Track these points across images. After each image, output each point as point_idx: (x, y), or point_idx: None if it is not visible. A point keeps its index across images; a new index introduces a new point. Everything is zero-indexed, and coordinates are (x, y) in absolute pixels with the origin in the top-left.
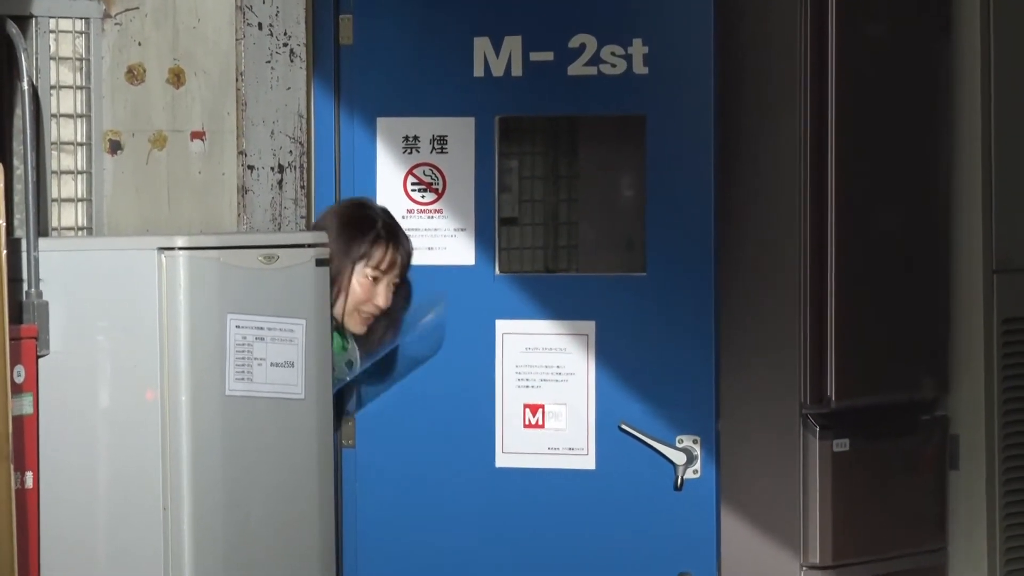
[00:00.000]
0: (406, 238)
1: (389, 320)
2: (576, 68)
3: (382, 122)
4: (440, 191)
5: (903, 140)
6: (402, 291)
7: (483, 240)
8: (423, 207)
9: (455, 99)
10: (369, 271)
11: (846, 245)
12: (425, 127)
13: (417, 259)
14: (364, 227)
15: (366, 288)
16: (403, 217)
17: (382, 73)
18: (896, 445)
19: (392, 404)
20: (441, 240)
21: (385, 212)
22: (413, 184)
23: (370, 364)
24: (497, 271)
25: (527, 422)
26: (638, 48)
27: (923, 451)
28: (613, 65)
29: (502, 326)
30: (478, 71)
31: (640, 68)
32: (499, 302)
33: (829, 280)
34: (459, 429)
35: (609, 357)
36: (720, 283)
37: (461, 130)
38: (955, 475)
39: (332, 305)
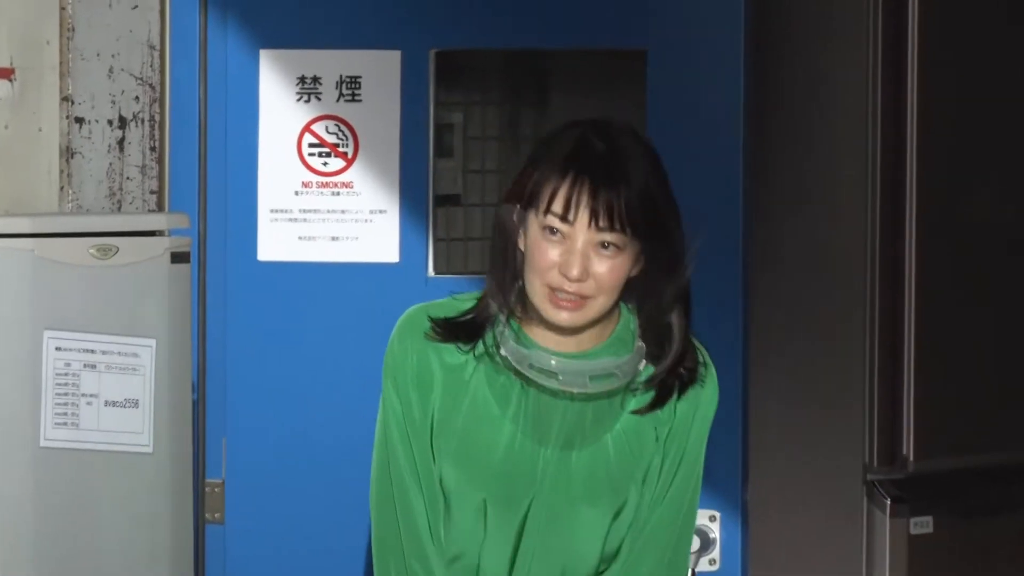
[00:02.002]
0: (644, 172)
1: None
2: None
3: (268, 56)
4: (350, 156)
5: (1019, 101)
6: (657, 267)
7: (411, 227)
8: (325, 178)
9: (373, 24)
10: (542, 218)
11: (932, 249)
12: (329, 64)
13: (317, 254)
14: (548, 145)
15: (540, 247)
16: (297, 193)
17: None
18: (998, 524)
19: (277, 461)
20: (351, 227)
21: (618, 132)
22: (311, 146)
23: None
24: (431, 271)
25: None
26: None
27: None
28: None
29: None
30: None
31: None
32: None
33: (907, 297)
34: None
35: None
36: (748, 293)
37: (381, 69)
38: None
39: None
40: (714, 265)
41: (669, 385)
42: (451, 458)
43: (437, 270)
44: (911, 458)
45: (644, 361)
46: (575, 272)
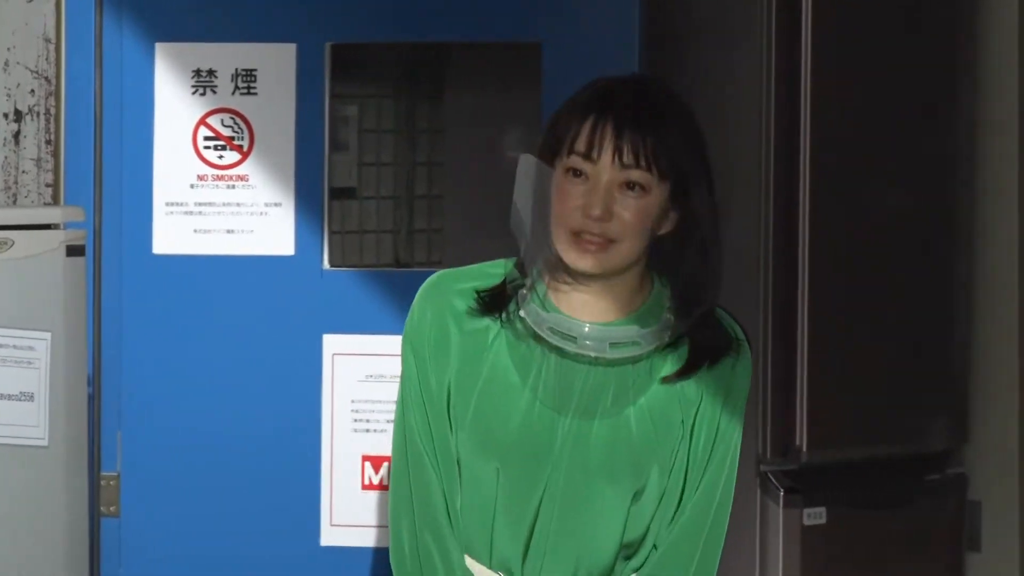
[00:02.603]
0: (673, 116)
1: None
2: None
3: (164, 49)
4: (245, 149)
5: (909, 101)
6: (684, 219)
7: (306, 220)
8: (221, 172)
9: (269, 17)
10: (565, 160)
11: (825, 242)
12: (225, 57)
13: (212, 247)
14: (572, 99)
15: (563, 190)
16: (192, 186)
17: None
18: (892, 516)
19: (172, 456)
20: (246, 220)
21: (648, 82)
22: (207, 139)
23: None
24: (326, 264)
25: (367, 481)
26: None
27: (931, 525)
28: None
29: (332, 343)
30: None
31: None
32: (328, 309)
33: (801, 287)
34: (268, 492)
35: None
36: None
37: (276, 62)
38: (975, 558)
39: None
40: None
41: (699, 353)
42: (467, 425)
43: (332, 263)
44: (804, 449)
45: (670, 332)
46: (597, 210)
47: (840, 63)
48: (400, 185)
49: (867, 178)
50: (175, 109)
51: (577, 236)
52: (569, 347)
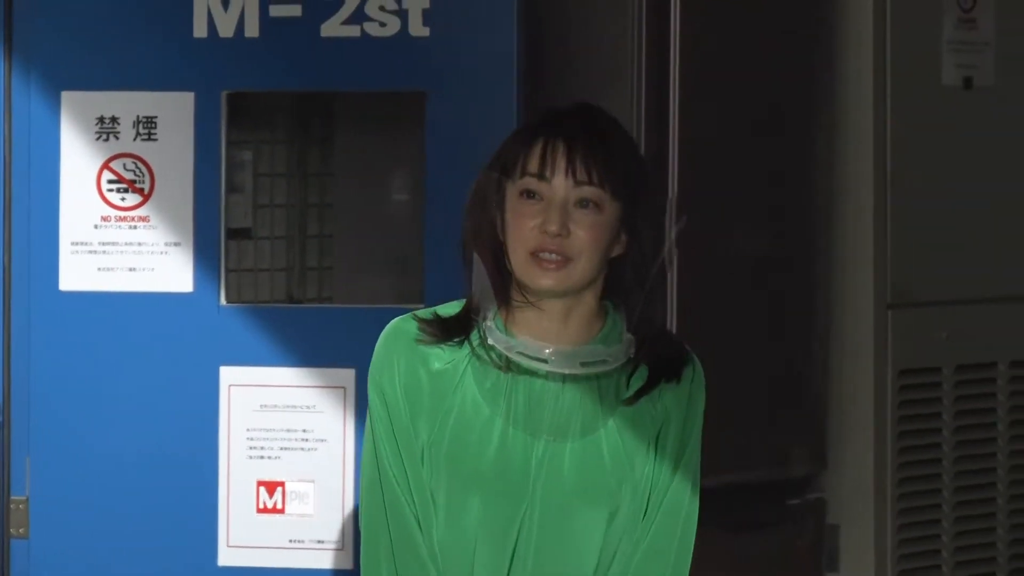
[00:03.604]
0: (620, 137)
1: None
2: (332, 27)
3: (69, 97)
4: (147, 192)
5: (768, 141)
6: (639, 237)
7: (204, 259)
8: (123, 213)
9: (168, 67)
10: (519, 182)
11: (690, 269)
12: (127, 105)
13: (116, 284)
14: (521, 127)
15: (518, 213)
16: (96, 226)
17: (70, 29)
18: (756, 539)
19: (79, 480)
20: (147, 259)
21: (593, 107)
22: (110, 182)
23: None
24: (223, 301)
25: (262, 505)
26: (416, 0)
27: (792, 546)
28: (382, 23)
29: (228, 375)
30: (199, 30)
31: (419, 28)
32: (225, 343)
33: (670, 313)
34: (168, 514)
35: None
36: None
37: (175, 109)
38: None
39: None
40: None
41: (659, 368)
42: (442, 464)
43: (229, 299)
44: None
45: (633, 350)
46: (554, 227)
47: (707, 100)
48: (292, 225)
49: (733, 207)
50: (80, 154)
51: (535, 256)
52: (540, 368)
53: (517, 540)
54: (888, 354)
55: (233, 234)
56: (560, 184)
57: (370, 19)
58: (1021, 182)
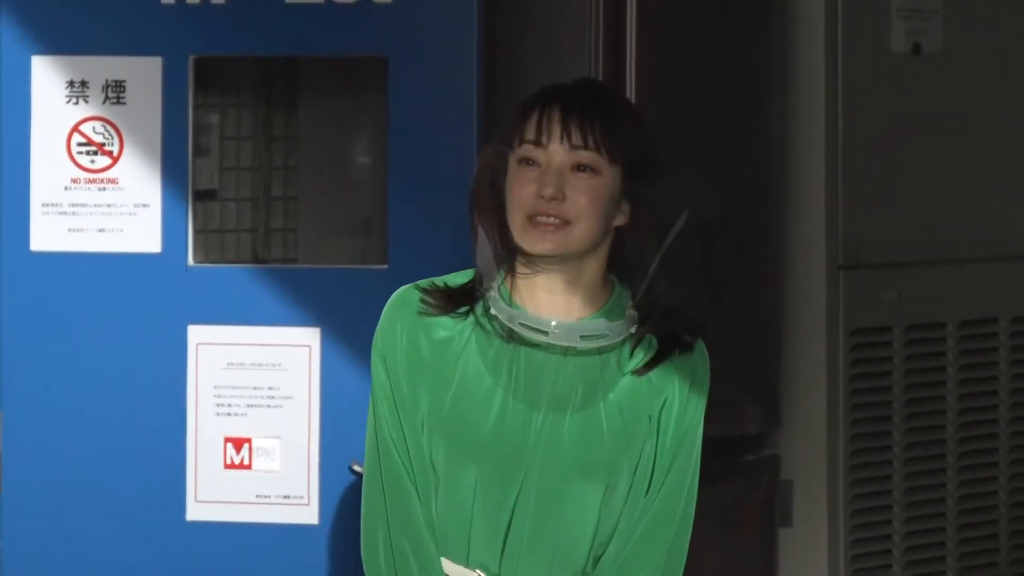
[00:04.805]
0: (619, 105)
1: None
2: None
3: (40, 62)
4: (115, 154)
5: (721, 103)
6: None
7: (172, 220)
8: (93, 175)
9: (136, 33)
10: (518, 151)
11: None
12: (96, 69)
13: (85, 244)
14: (524, 101)
15: (517, 180)
16: (66, 188)
17: None
18: (710, 494)
19: (51, 436)
20: (117, 220)
21: (594, 82)
22: (80, 145)
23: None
24: (190, 261)
25: (229, 461)
26: None
27: (744, 503)
28: None
29: (196, 333)
30: None
31: None
32: (192, 302)
33: None
34: (137, 470)
35: (338, 375)
36: None
37: (144, 74)
38: (787, 533)
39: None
40: (455, 268)
41: (667, 342)
42: (442, 433)
43: (196, 259)
44: None
45: (635, 326)
46: (550, 190)
47: (663, 80)
48: (258, 188)
49: (688, 175)
50: (50, 117)
51: (532, 220)
52: (541, 340)
53: (513, 512)
54: (840, 314)
55: (200, 196)
56: (556, 149)
57: None
58: (968, 146)
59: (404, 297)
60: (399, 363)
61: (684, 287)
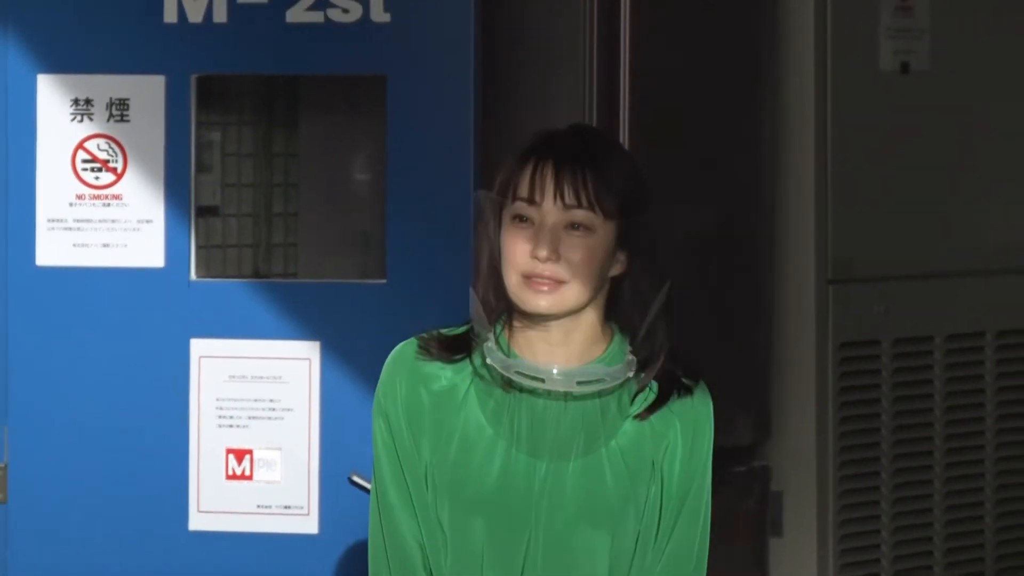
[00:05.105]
0: (612, 158)
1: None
2: (297, 13)
3: (45, 81)
4: (120, 171)
5: (712, 119)
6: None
7: (175, 235)
8: (97, 191)
9: (140, 52)
10: (511, 208)
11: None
12: (101, 88)
13: (90, 259)
14: (516, 151)
15: (511, 238)
16: (71, 204)
17: (46, 15)
18: None
19: (56, 448)
20: (120, 235)
21: (587, 129)
22: (85, 161)
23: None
24: (193, 275)
25: (231, 472)
26: None
27: (735, 513)
28: (345, 10)
29: (198, 347)
30: (170, 16)
31: (380, 15)
32: (195, 316)
33: None
34: (140, 480)
35: (338, 388)
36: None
37: (147, 92)
38: (778, 543)
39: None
40: (452, 283)
41: (668, 384)
42: (446, 488)
43: (199, 274)
44: None
45: (635, 371)
46: (544, 252)
47: (655, 93)
48: (259, 204)
49: (677, 191)
50: (56, 134)
51: (528, 279)
52: (539, 387)
53: (524, 562)
54: (829, 327)
55: (202, 212)
56: (549, 208)
57: (333, 5)
58: (954, 163)
59: (402, 352)
60: (400, 415)
61: (679, 302)
